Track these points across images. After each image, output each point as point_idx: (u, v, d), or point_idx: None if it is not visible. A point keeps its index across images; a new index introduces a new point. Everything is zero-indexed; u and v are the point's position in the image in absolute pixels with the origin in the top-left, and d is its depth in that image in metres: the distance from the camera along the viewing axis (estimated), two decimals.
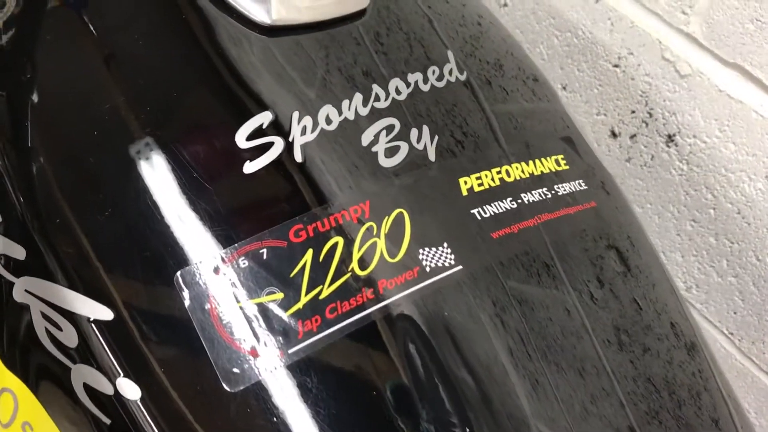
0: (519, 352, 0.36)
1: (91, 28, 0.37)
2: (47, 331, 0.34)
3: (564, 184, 0.41)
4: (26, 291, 0.34)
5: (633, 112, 0.71)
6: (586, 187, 0.42)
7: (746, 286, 0.66)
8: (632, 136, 0.72)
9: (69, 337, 0.33)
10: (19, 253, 0.35)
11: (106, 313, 0.33)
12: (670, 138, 0.68)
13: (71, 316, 0.33)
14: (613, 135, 0.73)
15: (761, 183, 0.62)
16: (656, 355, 0.40)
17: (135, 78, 0.37)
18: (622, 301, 0.40)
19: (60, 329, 0.33)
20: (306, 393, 0.33)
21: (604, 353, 0.37)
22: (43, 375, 0.35)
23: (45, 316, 0.34)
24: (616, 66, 0.71)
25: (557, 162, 0.42)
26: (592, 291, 0.39)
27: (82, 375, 0.33)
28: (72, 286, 0.33)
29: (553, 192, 0.41)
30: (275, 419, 0.32)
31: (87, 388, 0.33)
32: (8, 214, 0.35)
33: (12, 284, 0.34)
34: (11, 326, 0.35)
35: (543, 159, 0.42)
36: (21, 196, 0.35)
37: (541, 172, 0.41)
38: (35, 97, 0.36)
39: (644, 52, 0.68)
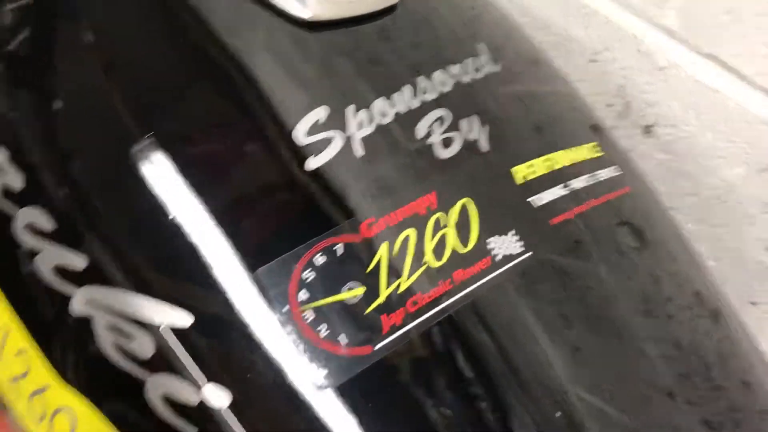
0: (560, 323, 0.36)
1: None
2: (116, 343, 0.31)
3: (602, 170, 0.42)
4: (88, 302, 0.32)
5: (610, 105, 0.73)
6: (621, 173, 0.43)
7: (726, 268, 0.69)
8: (610, 129, 0.74)
9: (142, 347, 0.31)
10: (78, 262, 0.32)
11: (184, 319, 0.31)
12: (648, 129, 0.71)
13: (145, 325, 0.31)
14: None
15: (740, 168, 0.65)
16: (681, 322, 0.41)
17: (184, 81, 0.36)
18: (644, 274, 0.42)
19: (131, 340, 0.31)
20: (396, 388, 0.32)
21: (636, 321, 0.38)
22: (112, 390, 0.33)
23: (113, 327, 0.31)
24: (592, 61, 0.73)
25: (593, 149, 0.43)
26: (617, 249, 0.40)
27: (161, 386, 0.31)
28: (144, 292, 0.31)
29: (595, 178, 0.42)
30: (368, 417, 0.31)
31: (167, 399, 0.31)
32: (63, 221, 0.33)
33: (69, 297, 0.32)
34: (70, 341, 0.33)
35: (581, 146, 0.42)
36: (74, 200, 0.32)
37: (582, 159, 0.42)
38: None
39: (620, 47, 0.70)
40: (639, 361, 0.38)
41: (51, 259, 0.32)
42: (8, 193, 0.33)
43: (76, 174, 0.33)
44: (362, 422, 0.31)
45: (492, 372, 0.33)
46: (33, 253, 0.33)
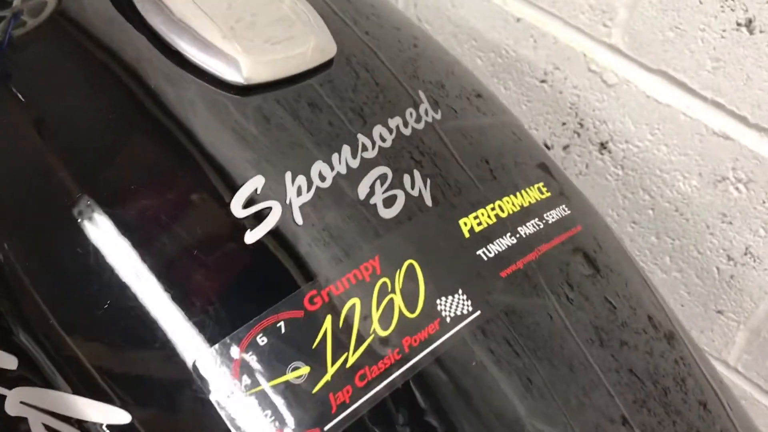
0: (509, 357, 0.36)
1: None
2: None
3: (551, 212, 0.42)
4: (22, 402, 0.31)
5: (564, 124, 0.73)
6: (569, 212, 0.43)
7: (690, 278, 0.69)
8: (565, 147, 0.74)
9: None
10: (9, 362, 0.31)
11: (121, 416, 0.30)
12: (603, 145, 0.71)
13: (81, 425, 0.30)
14: (546, 147, 0.75)
15: (695, 180, 0.65)
16: (635, 348, 0.41)
17: (111, 151, 0.35)
18: (595, 302, 0.41)
19: None
20: None
21: (588, 350, 0.38)
22: None
23: (48, 428, 0.30)
24: (542, 81, 0.73)
25: (540, 190, 0.43)
26: (568, 294, 0.40)
27: None
28: (77, 391, 0.30)
29: (544, 221, 0.41)
30: None
31: None
32: None
33: (4, 397, 0.31)
34: None
35: (528, 189, 0.42)
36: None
37: (529, 203, 0.41)
38: None
39: (570, 66, 0.70)
40: (595, 391, 0.37)
41: None
42: None
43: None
44: None
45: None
46: None
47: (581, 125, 0.72)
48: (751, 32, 0.57)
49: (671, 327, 0.46)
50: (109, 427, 0.30)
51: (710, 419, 0.42)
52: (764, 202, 0.61)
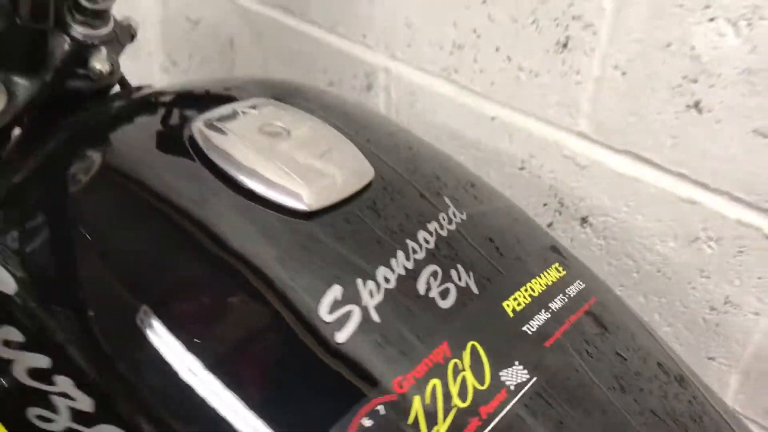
0: (557, 413, 0.42)
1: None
2: None
3: (570, 287, 0.49)
4: None
5: (545, 204, 0.81)
6: (584, 285, 0.50)
7: (680, 331, 0.77)
8: (549, 225, 0.82)
9: None
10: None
11: None
12: (584, 220, 0.79)
13: None
14: None
15: (671, 242, 0.74)
16: (650, 392, 0.47)
17: (209, 289, 0.41)
18: (610, 355, 0.48)
19: None
20: None
21: (613, 397, 0.44)
22: None
23: None
24: (521, 169, 0.82)
25: (557, 270, 0.50)
26: (589, 351, 0.46)
27: None
28: None
29: (567, 296, 0.48)
30: None
31: None
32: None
33: None
34: None
35: (548, 270, 0.49)
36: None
37: (552, 282, 0.48)
38: None
39: (545, 154, 0.79)
40: (627, 430, 0.43)
41: None
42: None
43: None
44: None
45: None
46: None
47: (561, 204, 0.80)
48: (699, 112, 0.67)
49: (680, 371, 0.52)
50: None
51: None
52: (735, 256, 0.70)
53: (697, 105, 0.66)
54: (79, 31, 0.52)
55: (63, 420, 0.38)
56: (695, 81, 0.65)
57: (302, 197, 0.44)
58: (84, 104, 0.55)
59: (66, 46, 0.52)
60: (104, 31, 0.53)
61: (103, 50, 0.53)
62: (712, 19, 0.62)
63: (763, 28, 0.60)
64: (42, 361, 0.39)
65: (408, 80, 0.87)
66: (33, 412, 0.39)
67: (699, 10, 0.63)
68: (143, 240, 0.44)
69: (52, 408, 0.39)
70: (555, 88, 0.75)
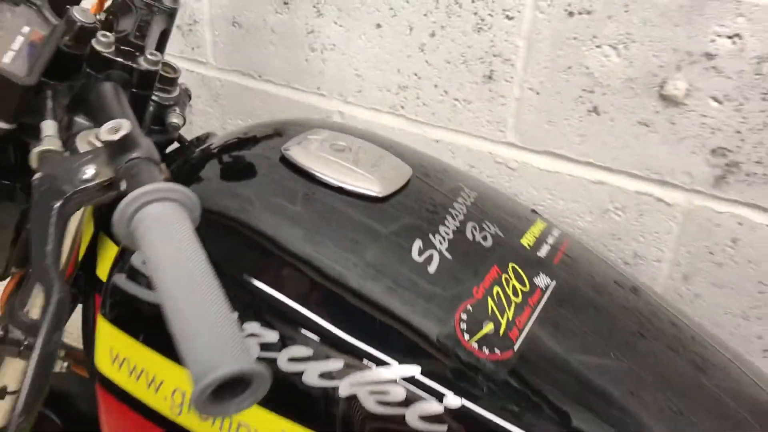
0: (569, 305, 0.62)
1: None
2: (377, 401, 0.51)
3: (553, 231, 0.70)
4: (351, 384, 0.51)
5: None
6: (560, 232, 0.71)
7: None
8: None
9: (396, 394, 0.51)
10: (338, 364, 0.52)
11: (413, 369, 0.51)
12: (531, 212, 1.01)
13: (392, 382, 0.51)
14: None
15: (588, 217, 0.97)
16: (617, 294, 0.67)
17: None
18: (588, 269, 0.69)
19: (387, 394, 0.51)
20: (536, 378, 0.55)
21: (597, 293, 0.64)
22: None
23: (372, 392, 0.51)
24: None
25: (541, 222, 0.71)
26: (576, 266, 0.67)
27: (417, 411, 0.51)
28: (385, 365, 0.51)
29: (554, 236, 0.69)
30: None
31: (422, 417, 0.51)
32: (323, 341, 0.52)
33: (336, 387, 0.51)
34: (340, 415, 0.51)
35: (537, 222, 0.70)
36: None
37: (542, 229, 0.69)
38: None
39: (482, 163, 1.01)
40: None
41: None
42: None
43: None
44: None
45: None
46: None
47: None
48: (598, 114, 0.91)
49: (632, 283, 0.73)
50: (407, 378, 0.51)
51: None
52: (637, 219, 0.94)
53: (595, 109, 0.91)
54: (159, 95, 0.68)
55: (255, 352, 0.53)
56: (592, 92, 0.90)
57: (375, 188, 0.62)
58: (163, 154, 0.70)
59: (151, 108, 0.67)
60: (175, 93, 0.69)
61: (177, 108, 0.69)
62: (599, 46, 0.88)
63: (635, 49, 0.86)
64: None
65: (361, 118, 1.07)
66: None
67: (588, 39, 0.88)
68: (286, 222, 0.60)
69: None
70: (485, 111, 0.98)
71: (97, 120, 0.56)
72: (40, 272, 0.46)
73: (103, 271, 0.64)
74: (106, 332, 0.60)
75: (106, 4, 0.67)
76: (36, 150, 0.53)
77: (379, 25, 0.99)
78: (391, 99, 1.03)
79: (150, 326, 0.56)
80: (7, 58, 0.54)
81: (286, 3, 1.04)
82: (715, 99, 0.83)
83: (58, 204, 0.48)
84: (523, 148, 0.97)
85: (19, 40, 0.56)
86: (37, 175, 0.50)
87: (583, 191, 0.95)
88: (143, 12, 0.63)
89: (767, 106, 0.81)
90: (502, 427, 0.50)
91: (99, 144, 0.52)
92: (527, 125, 0.95)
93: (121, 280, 0.58)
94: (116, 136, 0.47)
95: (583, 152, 0.93)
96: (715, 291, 0.92)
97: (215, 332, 0.36)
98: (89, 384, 0.64)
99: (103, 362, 0.60)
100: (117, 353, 0.59)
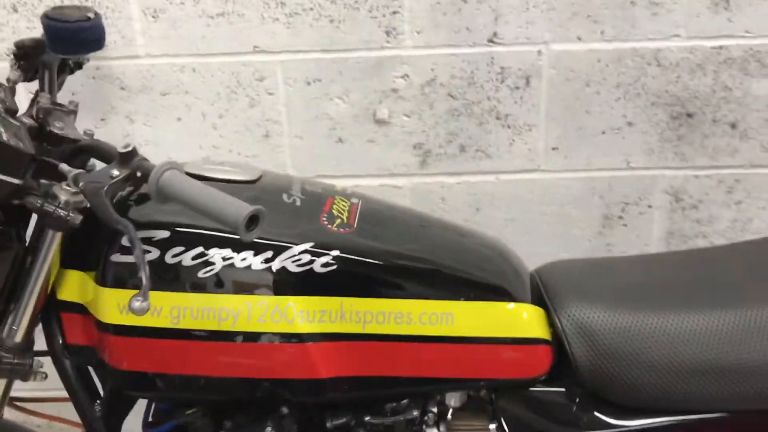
0: None
1: None
2: (296, 264, 0.94)
3: (353, 198, 1.20)
4: (281, 260, 0.94)
5: None
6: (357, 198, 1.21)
7: None
8: None
9: (304, 258, 0.95)
10: None
11: (309, 244, 0.96)
12: None
13: (302, 252, 0.95)
14: None
15: None
16: (412, 219, 1.20)
17: None
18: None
19: (300, 259, 0.94)
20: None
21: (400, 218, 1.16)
22: None
23: (292, 261, 0.94)
24: None
25: (342, 199, 1.20)
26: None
27: (319, 262, 0.95)
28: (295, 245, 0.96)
29: (352, 189, 1.19)
30: None
31: (321, 264, 0.95)
32: None
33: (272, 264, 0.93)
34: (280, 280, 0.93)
35: (338, 187, 1.19)
36: None
37: (343, 188, 1.18)
38: None
39: None
40: None
41: None
42: None
43: None
44: None
45: None
46: None
47: None
48: (342, 142, 1.45)
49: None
50: (305, 250, 0.95)
51: None
52: None
53: (340, 139, 1.43)
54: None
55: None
56: (335, 129, 1.42)
57: (247, 177, 1.04)
58: None
59: None
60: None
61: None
62: (331, 99, 1.41)
63: (353, 96, 1.41)
64: None
65: None
66: None
67: (324, 96, 1.41)
68: None
69: None
70: (268, 160, 1.44)
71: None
72: (114, 223, 0.82)
73: (67, 295, 0.96)
74: (109, 295, 0.93)
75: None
76: (71, 174, 0.88)
77: (179, 119, 1.43)
78: None
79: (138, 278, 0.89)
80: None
81: (103, 119, 1.43)
82: (406, 115, 1.42)
83: (102, 190, 0.84)
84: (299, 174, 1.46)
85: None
86: (82, 184, 0.86)
87: None
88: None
89: (433, 113, 1.41)
90: (356, 260, 0.95)
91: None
92: (300, 161, 1.44)
93: (117, 257, 0.93)
94: (127, 149, 0.87)
95: (340, 169, 1.44)
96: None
97: (229, 201, 0.78)
98: None
99: (113, 316, 0.93)
100: (122, 304, 0.92)
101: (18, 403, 1.07)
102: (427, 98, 1.38)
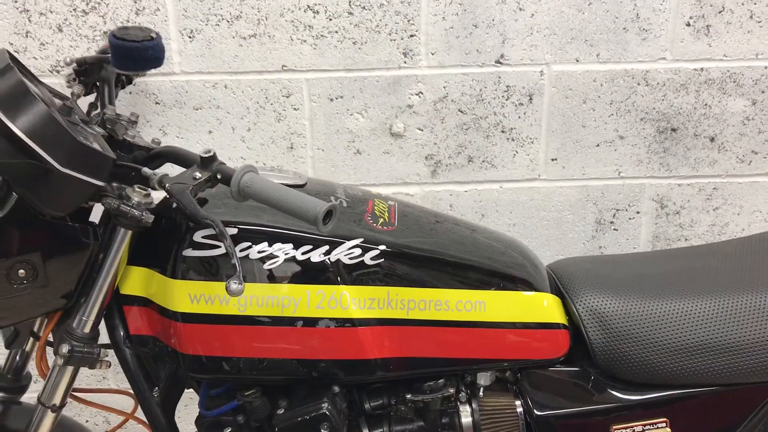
0: None
1: None
2: (348, 257, 1.06)
3: (389, 201, 1.32)
4: (335, 254, 1.06)
5: None
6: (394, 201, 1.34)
7: None
8: None
9: (356, 252, 1.07)
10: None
11: (359, 240, 1.09)
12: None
13: (353, 247, 1.07)
14: None
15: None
16: (447, 222, 1.33)
17: None
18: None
19: (352, 252, 1.06)
20: None
21: (431, 221, 1.29)
22: None
23: (345, 255, 1.06)
24: None
25: (382, 201, 1.33)
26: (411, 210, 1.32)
27: (369, 255, 1.07)
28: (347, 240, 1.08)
29: (390, 201, 1.31)
30: None
31: (371, 257, 1.07)
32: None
33: (329, 257, 1.05)
34: (336, 270, 1.05)
35: (381, 200, 1.32)
36: None
37: (383, 199, 1.31)
38: None
39: None
40: None
41: None
42: None
43: None
44: None
45: None
46: None
47: None
48: (360, 154, 1.57)
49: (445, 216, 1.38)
50: (356, 245, 1.07)
51: None
52: None
53: (359, 151, 1.56)
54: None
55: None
56: (354, 141, 1.55)
57: (299, 181, 1.16)
58: None
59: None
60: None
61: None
62: (351, 114, 1.54)
63: (371, 111, 1.54)
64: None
65: None
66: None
67: (345, 111, 1.54)
68: None
69: None
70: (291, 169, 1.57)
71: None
72: (202, 218, 0.93)
73: (131, 290, 1.06)
74: (180, 286, 1.04)
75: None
76: (156, 176, 0.98)
77: (210, 132, 1.54)
78: None
79: (209, 271, 0.99)
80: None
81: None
82: (419, 128, 1.55)
83: (188, 190, 0.95)
84: None
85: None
86: (168, 185, 0.96)
87: None
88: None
89: (444, 127, 1.54)
90: (406, 252, 1.07)
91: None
92: (321, 172, 1.56)
93: (189, 252, 1.03)
94: (209, 155, 0.98)
95: (356, 179, 1.57)
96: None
97: (307, 199, 0.89)
98: None
99: (184, 305, 1.03)
100: (193, 294, 1.03)
101: (75, 393, 1.16)
102: (439, 113, 1.52)
